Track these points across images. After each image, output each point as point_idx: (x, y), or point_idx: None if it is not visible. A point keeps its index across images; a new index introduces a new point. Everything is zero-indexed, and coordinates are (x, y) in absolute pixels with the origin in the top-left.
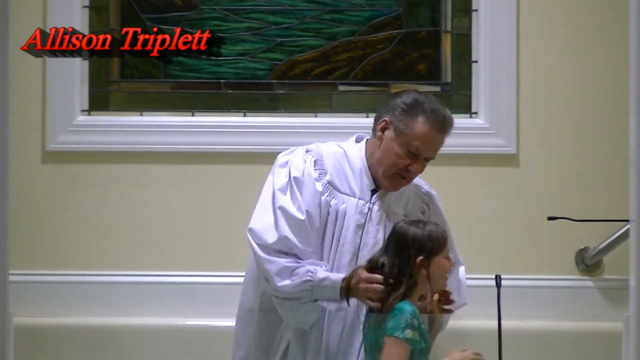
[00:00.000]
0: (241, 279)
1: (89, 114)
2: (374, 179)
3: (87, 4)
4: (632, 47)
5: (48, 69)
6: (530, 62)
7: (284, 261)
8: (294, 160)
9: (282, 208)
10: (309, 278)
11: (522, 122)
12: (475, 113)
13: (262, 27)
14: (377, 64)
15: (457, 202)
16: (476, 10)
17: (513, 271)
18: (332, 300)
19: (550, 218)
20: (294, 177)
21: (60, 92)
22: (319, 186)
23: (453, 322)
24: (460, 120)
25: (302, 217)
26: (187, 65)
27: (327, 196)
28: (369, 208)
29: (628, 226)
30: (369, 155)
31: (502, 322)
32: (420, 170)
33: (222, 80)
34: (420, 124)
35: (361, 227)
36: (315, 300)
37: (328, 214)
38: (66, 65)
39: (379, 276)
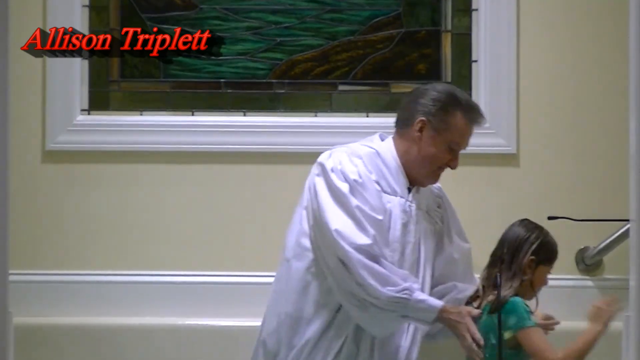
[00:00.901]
0: (241, 279)
1: (89, 114)
2: (408, 177)
3: (87, 3)
4: (632, 47)
5: (48, 69)
6: (530, 62)
7: (378, 267)
8: (345, 164)
9: (359, 208)
10: (406, 296)
11: (522, 122)
12: None
13: (262, 27)
14: (377, 63)
15: (457, 202)
16: (476, 10)
17: None
18: (421, 321)
19: (550, 218)
20: (354, 181)
21: (60, 92)
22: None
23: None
24: None
25: (380, 217)
26: (187, 65)
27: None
28: (409, 206)
29: (628, 226)
30: (401, 154)
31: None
32: (457, 163)
33: (222, 80)
34: (459, 119)
35: (406, 225)
36: (403, 316)
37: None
38: (66, 65)
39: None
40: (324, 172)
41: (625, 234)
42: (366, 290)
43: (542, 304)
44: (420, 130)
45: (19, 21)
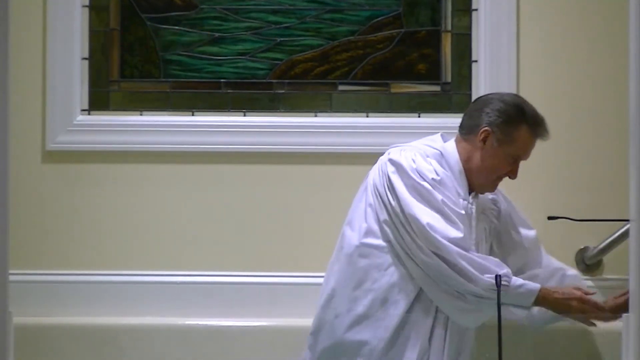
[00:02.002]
0: (242, 279)
1: (89, 114)
2: (468, 181)
3: (87, 3)
4: (632, 47)
5: (48, 69)
6: (530, 62)
7: (476, 257)
8: (420, 163)
9: (444, 202)
10: (505, 282)
11: None
12: None
13: (262, 27)
14: (377, 63)
15: None
16: (476, 10)
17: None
18: (520, 305)
19: (550, 218)
20: (432, 179)
21: (60, 92)
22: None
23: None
24: (460, 120)
25: (462, 211)
26: (187, 65)
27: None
28: (470, 208)
29: (628, 226)
30: (464, 159)
31: (503, 322)
32: (516, 174)
33: (222, 80)
34: (524, 133)
35: (472, 227)
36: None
37: None
38: (66, 65)
39: (597, 302)
40: (401, 170)
41: (625, 234)
42: (467, 279)
43: None
44: (484, 140)
45: (19, 21)
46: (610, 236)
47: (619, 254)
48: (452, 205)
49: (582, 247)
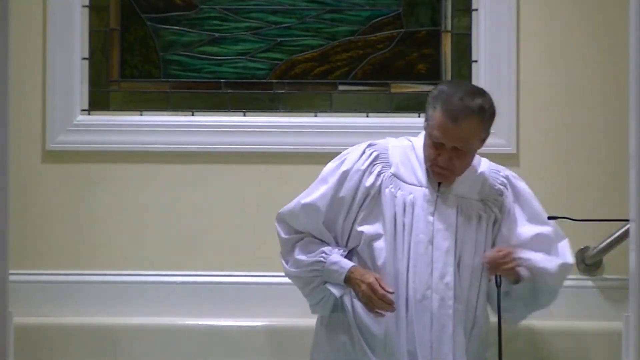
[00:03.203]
0: (242, 279)
1: (89, 114)
2: None
3: (87, 3)
4: (632, 47)
5: (48, 69)
6: (530, 62)
7: (296, 237)
8: (352, 153)
9: (332, 188)
10: (322, 259)
11: (522, 122)
12: None
13: (262, 27)
14: (377, 63)
15: None
16: (476, 10)
17: None
18: (338, 285)
19: (550, 218)
20: (343, 171)
21: (60, 92)
22: (371, 179)
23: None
24: None
25: (318, 203)
26: (187, 65)
27: (392, 188)
28: (437, 195)
29: (628, 226)
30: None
31: (502, 322)
32: (447, 163)
33: (222, 80)
34: (437, 113)
35: (432, 214)
36: (325, 283)
37: (395, 205)
38: (66, 65)
39: (386, 293)
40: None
41: (625, 234)
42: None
43: None
44: (425, 127)
45: (19, 21)
46: (610, 236)
47: (619, 254)
48: (339, 194)
49: (582, 247)
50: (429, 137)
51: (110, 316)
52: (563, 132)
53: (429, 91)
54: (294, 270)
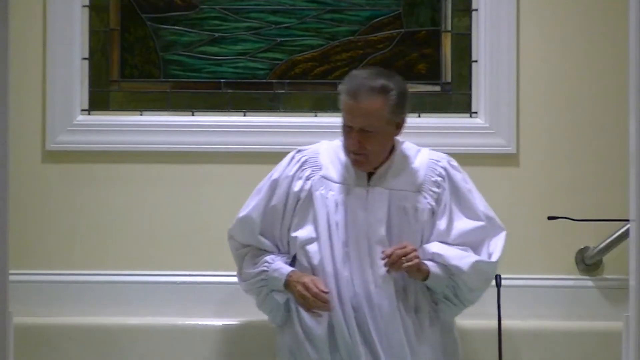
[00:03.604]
0: None
1: (89, 114)
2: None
3: (87, 3)
4: (632, 47)
5: (48, 69)
6: (530, 62)
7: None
8: (281, 162)
9: (265, 200)
10: (264, 268)
11: (522, 122)
12: (475, 113)
13: (262, 27)
14: (377, 63)
15: None
16: (476, 10)
17: (513, 271)
18: (281, 291)
19: (550, 218)
20: (273, 180)
21: (60, 92)
22: (299, 184)
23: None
24: (460, 120)
25: (253, 216)
26: (187, 65)
27: (323, 190)
28: (367, 191)
29: (628, 226)
30: None
31: (502, 322)
32: (356, 145)
33: (222, 80)
34: (343, 96)
35: (364, 210)
36: (272, 292)
37: (327, 206)
38: (66, 65)
39: (320, 292)
40: None
41: (625, 234)
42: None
43: (542, 304)
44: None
45: (19, 21)
46: (610, 236)
47: (619, 254)
48: (271, 203)
49: (582, 247)
50: (342, 125)
51: (110, 316)
52: (563, 132)
53: (429, 91)
54: (244, 283)
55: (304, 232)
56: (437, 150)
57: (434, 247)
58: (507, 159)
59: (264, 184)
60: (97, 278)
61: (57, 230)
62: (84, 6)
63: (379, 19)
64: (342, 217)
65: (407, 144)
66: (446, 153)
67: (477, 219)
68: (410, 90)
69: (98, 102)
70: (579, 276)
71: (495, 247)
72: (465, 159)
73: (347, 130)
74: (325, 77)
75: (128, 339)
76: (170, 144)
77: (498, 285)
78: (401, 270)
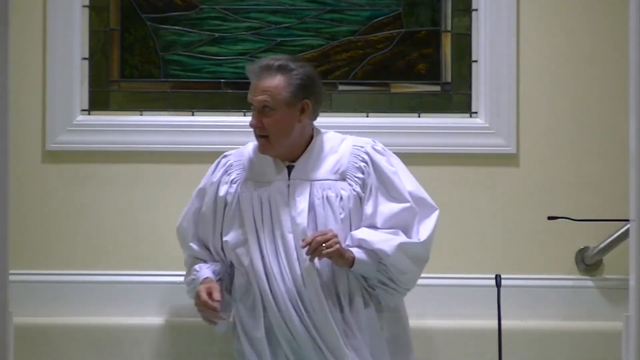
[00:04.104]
0: None
1: (89, 114)
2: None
3: (87, 3)
4: (632, 47)
5: (48, 69)
6: (530, 62)
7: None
8: (209, 170)
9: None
10: (193, 277)
11: (522, 122)
12: (475, 113)
13: (262, 27)
14: (377, 63)
15: (457, 202)
16: (476, 10)
17: (513, 271)
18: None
19: (550, 218)
20: (200, 189)
21: (60, 92)
22: (225, 188)
23: (453, 322)
24: (460, 120)
25: (184, 224)
26: (187, 65)
27: (248, 191)
28: (288, 185)
29: (628, 226)
30: None
31: (502, 322)
32: (257, 121)
33: (222, 80)
34: (249, 77)
35: (286, 205)
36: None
37: (252, 206)
38: (66, 65)
39: (208, 301)
40: None
41: (625, 234)
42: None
43: (542, 304)
44: None
45: (19, 21)
46: (610, 236)
47: (619, 254)
48: (200, 210)
49: (582, 247)
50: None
51: (110, 316)
52: (563, 132)
53: (429, 91)
54: (188, 293)
55: (234, 235)
56: (436, 150)
57: (360, 233)
58: (507, 159)
59: (194, 193)
60: (97, 278)
61: (57, 230)
62: (84, 6)
63: (379, 19)
64: (268, 214)
65: (330, 133)
66: (446, 153)
67: (404, 200)
68: (410, 90)
69: (98, 102)
70: (579, 276)
71: (426, 227)
72: (465, 159)
73: (253, 111)
74: (325, 77)
75: (128, 339)
76: (170, 144)
77: (498, 285)
78: (322, 257)
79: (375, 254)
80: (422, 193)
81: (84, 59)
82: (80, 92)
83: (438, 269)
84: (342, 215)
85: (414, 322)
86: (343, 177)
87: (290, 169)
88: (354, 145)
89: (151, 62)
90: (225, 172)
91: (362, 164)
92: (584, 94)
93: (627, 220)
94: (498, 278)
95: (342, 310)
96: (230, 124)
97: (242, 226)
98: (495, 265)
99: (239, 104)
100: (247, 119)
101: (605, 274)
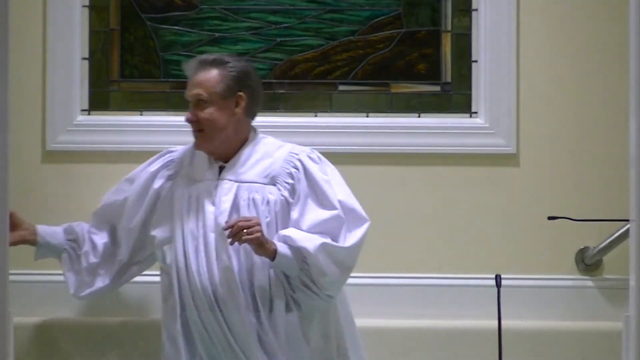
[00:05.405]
0: None
1: (89, 114)
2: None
3: (87, 3)
4: (632, 47)
5: (48, 69)
6: (530, 62)
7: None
8: (145, 162)
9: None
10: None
11: (522, 122)
12: (475, 113)
13: (262, 27)
14: (377, 63)
15: (457, 202)
16: (476, 10)
17: (513, 271)
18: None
19: (550, 218)
20: (127, 178)
21: (60, 92)
22: (160, 182)
23: (453, 322)
24: (460, 120)
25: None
26: None
27: (182, 188)
28: (216, 185)
29: (628, 226)
30: None
31: (502, 322)
32: (192, 115)
33: None
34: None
35: (212, 204)
36: None
37: (182, 204)
38: (66, 65)
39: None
40: None
41: (625, 234)
42: None
43: (542, 304)
44: None
45: (19, 21)
46: (610, 236)
47: (619, 254)
48: (123, 195)
49: (582, 247)
50: None
51: (110, 315)
52: (563, 132)
53: (429, 91)
54: None
55: (162, 231)
56: (436, 150)
57: (287, 231)
58: (507, 159)
59: (122, 180)
60: None
61: None
62: (84, 6)
63: (379, 19)
64: (195, 212)
65: (269, 139)
66: (446, 153)
67: (333, 208)
68: (410, 90)
69: (98, 102)
70: (579, 276)
71: (354, 236)
72: (465, 159)
73: (190, 108)
74: (325, 77)
75: (128, 338)
76: (170, 144)
77: (498, 285)
78: (241, 242)
79: (298, 251)
80: (354, 204)
81: (84, 59)
82: (80, 92)
83: (438, 269)
84: (267, 219)
85: (413, 322)
86: (273, 182)
87: (222, 168)
88: (290, 152)
89: (151, 62)
90: (165, 166)
91: (294, 170)
92: (584, 94)
93: (627, 220)
94: (498, 278)
95: (257, 311)
96: None
97: (170, 223)
98: (495, 265)
99: None
100: None
101: (605, 274)
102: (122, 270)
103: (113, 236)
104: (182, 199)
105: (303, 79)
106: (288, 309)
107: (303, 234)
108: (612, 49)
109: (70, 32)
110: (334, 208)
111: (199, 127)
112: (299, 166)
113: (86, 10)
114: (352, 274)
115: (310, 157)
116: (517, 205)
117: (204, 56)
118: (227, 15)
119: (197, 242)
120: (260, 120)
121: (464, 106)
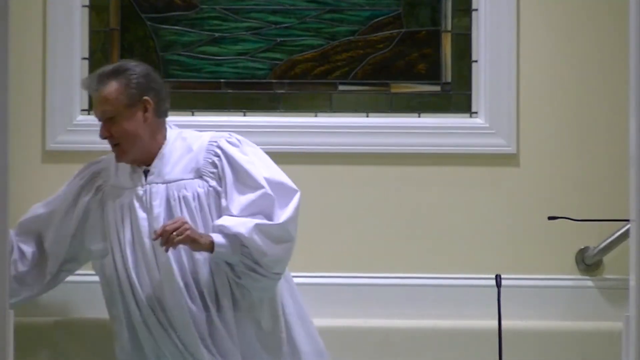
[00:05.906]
0: None
1: (89, 114)
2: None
3: (87, 3)
4: (632, 47)
5: (48, 69)
6: (530, 62)
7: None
8: (72, 175)
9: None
10: None
11: (522, 122)
12: (475, 113)
13: (262, 27)
14: (377, 63)
15: (457, 202)
16: (476, 10)
17: (513, 271)
18: None
19: (550, 218)
20: (61, 190)
21: (60, 92)
22: (89, 195)
23: (453, 322)
24: (460, 120)
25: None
26: (187, 65)
27: (112, 199)
28: (144, 190)
29: (628, 226)
30: None
31: (502, 322)
32: (105, 132)
33: (222, 80)
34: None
35: (144, 210)
36: None
37: (115, 215)
38: (66, 65)
39: None
40: None
41: (625, 234)
42: None
43: (543, 304)
44: None
45: (19, 21)
46: (610, 236)
47: (619, 254)
48: (50, 208)
49: (582, 247)
50: None
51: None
52: (563, 132)
53: (429, 91)
54: None
55: (98, 244)
56: (436, 150)
57: (220, 220)
58: (507, 159)
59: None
60: (97, 277)
61: None
62: (84, 6)
63: (379, 19)
64: (128, 222)
65: (186, 132)
66: (446, 154)
67: (259, 187)
68: (410, 90)
69: None
70: (579, 276)
71: (287, 210)
72: (465, 159)
73: (101, 125)
74: (325, 77)
75: None
76: None
77: (498, 285)
78: (175, 246)
79: (235, 238)
80: (281, 177)
81: (84, 59)
82: (80, 92)
83: (438, 269)
84: (202, 214)
85: (413, 322)
86: (199, 175)
87: (147, 172)
88: (209, 142)
89: (151, 62)
90: (91, 179)
91: (215, 158)
92: (584, 93)
93: (627, 220)
94: (498, 278)
95: (207, 310)
96: (230, 124)
97: (105, 235)
98: (495, 265)
99: (238, 104)
100: (248, 119)
101: (606, 274)
102: (51, 282)
103: (40, 247)
104: (114, 209)
105: (303, 79)
106: (235, 304)
107: (236, 220)
108: (612, 49)
109: (70, 32)
110: (261, 187)
111: (115, 142)
112: (219, 153)
113: (86, 10)
114: (352, 274)
115: (229, 142)
116: (517, 205)
117: (102, 69)
118: (227, 15)
119: (135, 251)
120: (260, 120)
121: (464, 106)
